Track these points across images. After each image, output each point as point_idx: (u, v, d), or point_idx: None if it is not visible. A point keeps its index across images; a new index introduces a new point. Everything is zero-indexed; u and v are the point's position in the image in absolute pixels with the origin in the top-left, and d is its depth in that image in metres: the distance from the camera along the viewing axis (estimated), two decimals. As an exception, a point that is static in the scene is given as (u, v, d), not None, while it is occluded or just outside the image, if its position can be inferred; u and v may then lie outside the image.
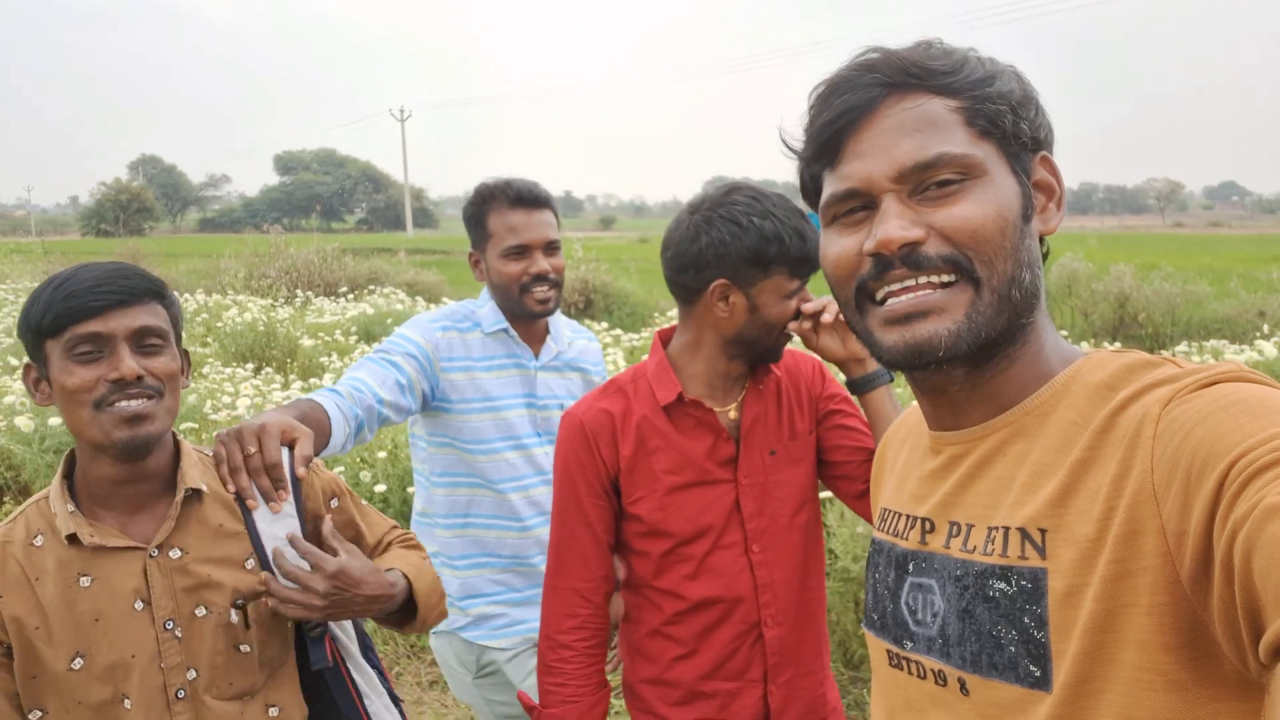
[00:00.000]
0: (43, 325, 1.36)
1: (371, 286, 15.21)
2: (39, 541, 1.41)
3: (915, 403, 1.15)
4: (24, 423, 5.64)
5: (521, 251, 2.12)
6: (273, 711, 1.53)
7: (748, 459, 1.69)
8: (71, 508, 1.41)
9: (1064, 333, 11.16)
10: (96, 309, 1.34)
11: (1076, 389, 0.87)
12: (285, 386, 7.07)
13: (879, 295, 0.89)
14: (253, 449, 1.51)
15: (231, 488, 1.52)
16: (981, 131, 0.87)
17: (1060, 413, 0.86)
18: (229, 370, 8.01)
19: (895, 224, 0.86)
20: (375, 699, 1.70)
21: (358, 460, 4.91)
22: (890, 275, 0.87)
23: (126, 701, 1.39)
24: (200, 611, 1.45)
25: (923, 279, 0.86)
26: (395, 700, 1.74)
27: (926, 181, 0.86)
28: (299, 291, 14.62)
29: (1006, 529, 0.85)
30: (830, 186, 0.92)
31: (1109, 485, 0.78)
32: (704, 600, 1.65)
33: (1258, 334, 9.02)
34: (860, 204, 0.90)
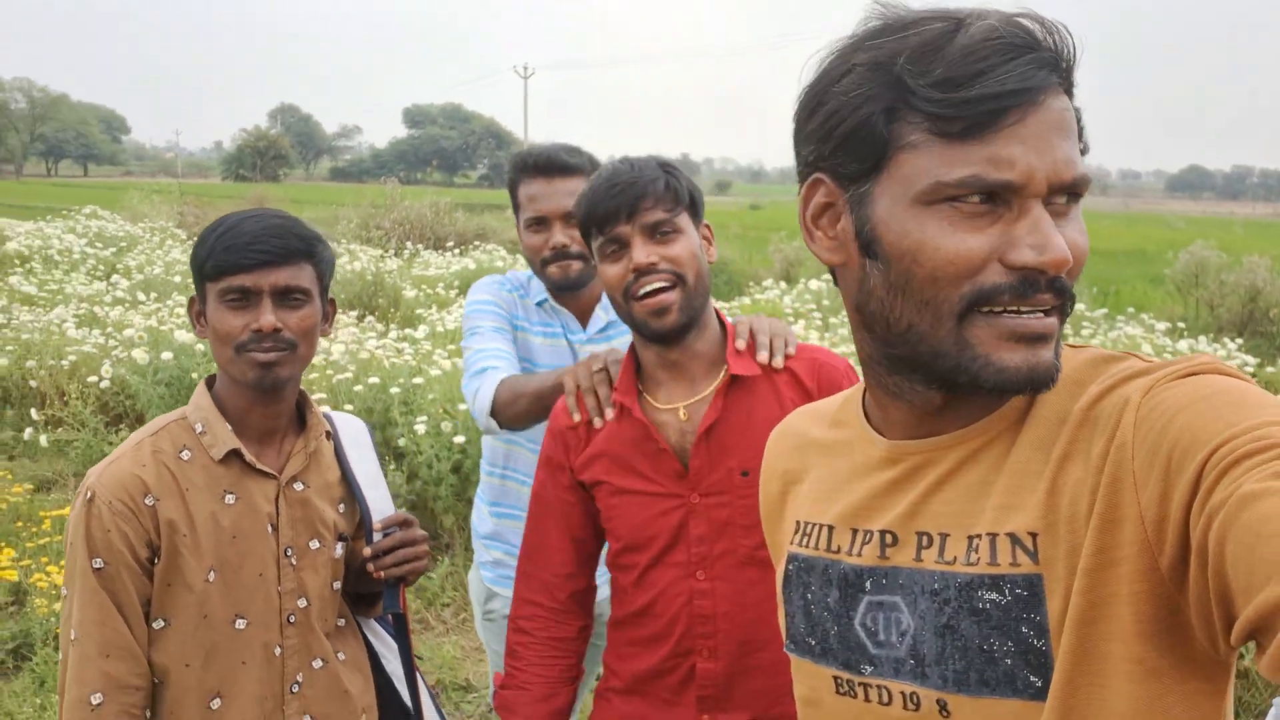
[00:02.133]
0: (204, 270, 1.51)
1: (478, 242, 15.61)
2: (186, 455, 1.53)
3: (802, 408, 1.12)
4: (140, 355, 6.08)
5: (540, 223, 2.04)
6: (341, 656, 1.68)
7: (705, 477, 1.51)
8: (230, 428, 1.55)
9: (1182, 324, 10.61)
10: (248, 265, 1.47)
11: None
12: (383, 335, 7.36)
13: (999, 310, 0.77)
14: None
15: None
16: (1080, 150, 0.79)
17: (1035, 411, 0.83)
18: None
19: (1062, 241, 0.75)
20: (393, 659, 1.83)
21: (441, 411, 5.09)
22: (1037, 299, 0.76)
23: (240, 621, 1.52)
24: (314, 544, 1.61)
25: (1053, 314, 0.78)
26: (410, 658, 1.81)
27: (1056, 196, 0.77)
28: (409, 244, 15.11)
29: (993, 536, 0.80)
30: (963, 164, 0.75)
31: (1091, 475, 0.76)
32: (643, 610, 1.56)
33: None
34: (985, 195, 0.76)
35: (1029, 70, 0.73)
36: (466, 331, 2.13)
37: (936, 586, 0.83)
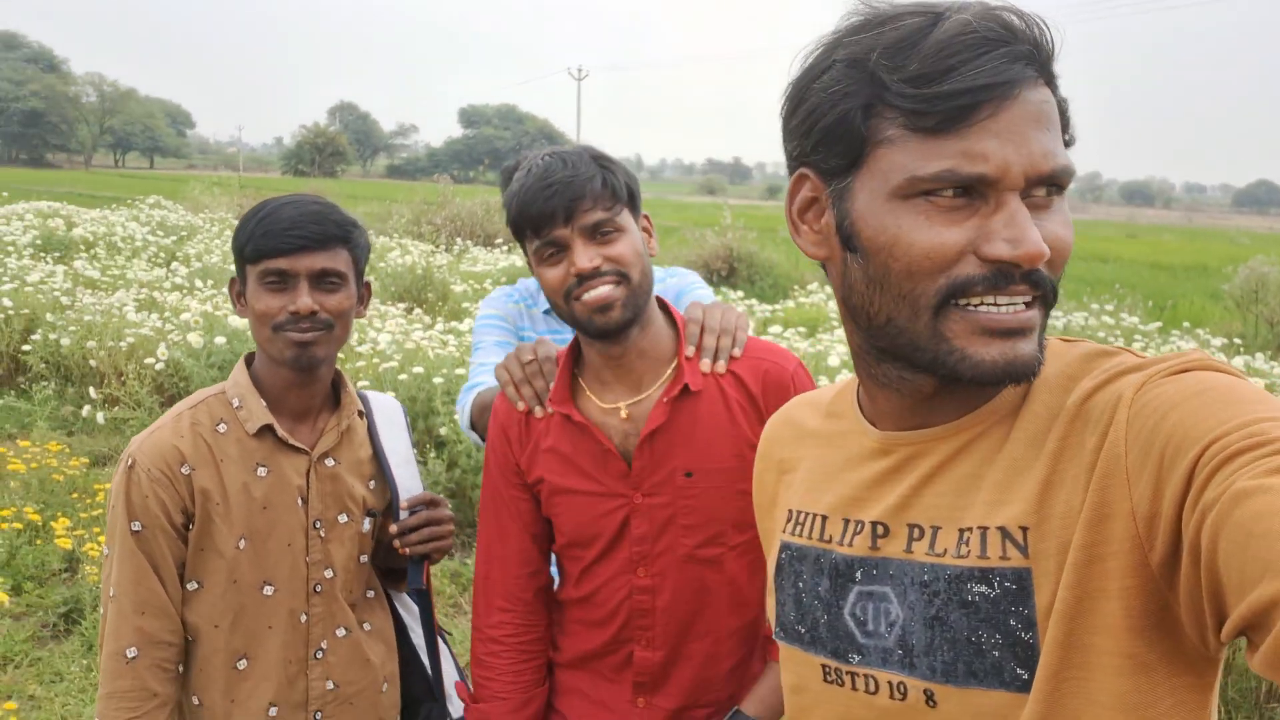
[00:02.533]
0: (244, 252, 1.57)
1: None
2: (222, 428, 1.60)
3: (800, 397, 1.11)
4: (195, 339, 6.27)
5: None
6: (366, 627, 1.74)
7: (648, 477, 1.49)
8: (264, 404, 1.62)
9: (1239, 341, 10.31)
10: (285, 249, 1.53)
11: (1040, 382, 0.83)
12: (429, 327, 7.48)
13: (975, 303, 0.77)
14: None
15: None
16: (1065, 140, 0.79)
17: (1026, 406, 0.83)
18: (384, 308, 8.55)
19: (1038, 235, 0.75)
20: (418, 629, 1.89)
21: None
22: (1012, 289, 0.76)
23: (268, 588, 1.60)
24: (342, 518, 1.67)
25: (1030, 308, 0.78)
26: (433, 631, 1.86)
27: (1034, 189, 0.77)
28: (459, 240, 15.32)
29: (984, 529, 0.81)
30: (938, 158, 0.75)
31: (1082, 472, 0.76)
32: (586, 599, 1.56)
33: None
34: (961, 189, 0.76)
35: (1001, 64, 0.73)
36: (472, 348, 2.16)
37: (926, 578, 0.83)
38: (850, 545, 0.91)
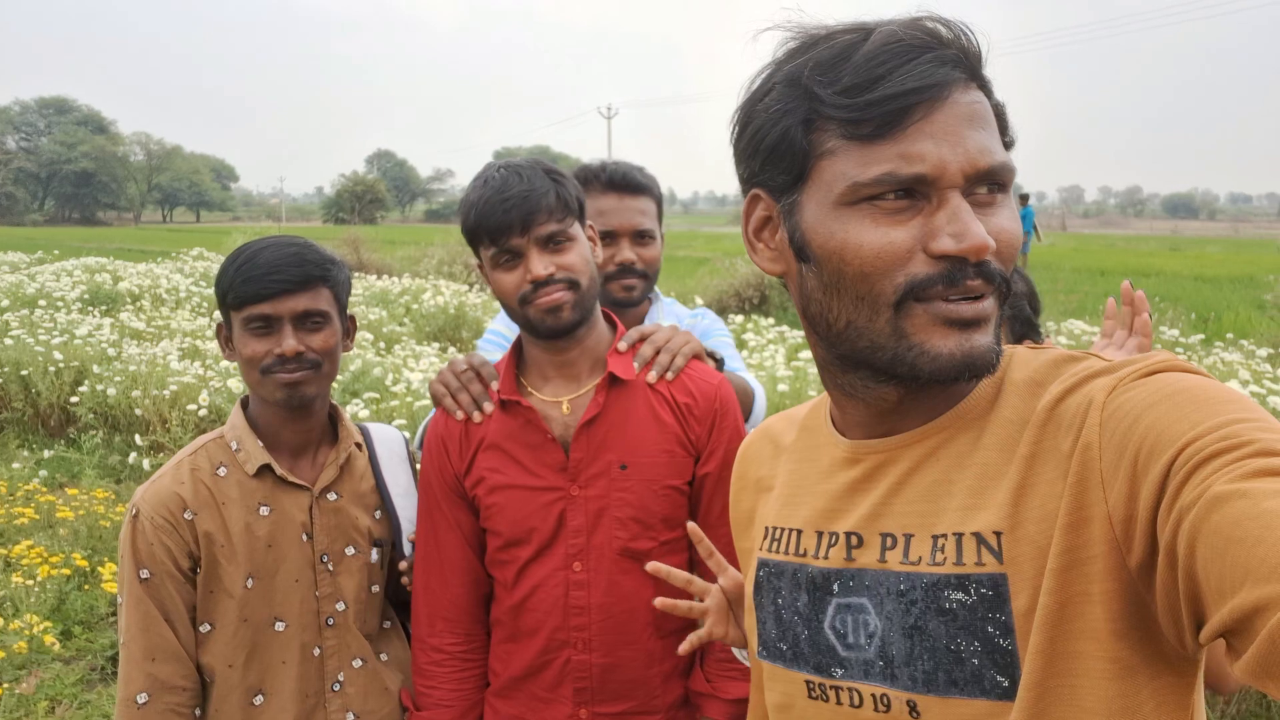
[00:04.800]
0: (227, 299, 1.60)
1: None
2: (222, 472, 1.62)
3: (778, 414, 1.11)
4: (235, 385, 6.42)
5: (607, 237, 2.02)
6: (383, 657, 1.75)
7: (585, 468, 1.56)
8: (261, 445, 1.65)
9: (1265, 352, 10.04)
10: (267, 294, 1.56)
11: (1007, 387, 0.85)
12: (462, 365, 7.56)
13: (936, 299, 0.80)
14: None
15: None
16: (1005, 143, 0.83)
17: (995, 412, 0.84)
18: (418, 348, 8.69)
19: (981, 228, 0.78)
20: None
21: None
22: (967, 285, 0.79)
23: (279, 624, 1.62)
24: (349, 551, 1.70)
25: (985, 298, 0.80)
26: None
27: (978, 186, 0.80)
28: (493, 279, 15.50)
29: (959, 535, 0.81)
30: (876, 163, 0.78)
31: (1057, 478, 0.76)
32: (520, 605, 1.58)
33: None
34: (903, 191, 0.79)
35: (928, 69, 0.77)
36: None
37: (903, 587, 0.83)
38: (826, 558, 0.91)
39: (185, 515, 1.58)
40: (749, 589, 1.02)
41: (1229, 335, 10.35)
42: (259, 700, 1.62)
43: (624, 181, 2.03)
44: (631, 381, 1.59)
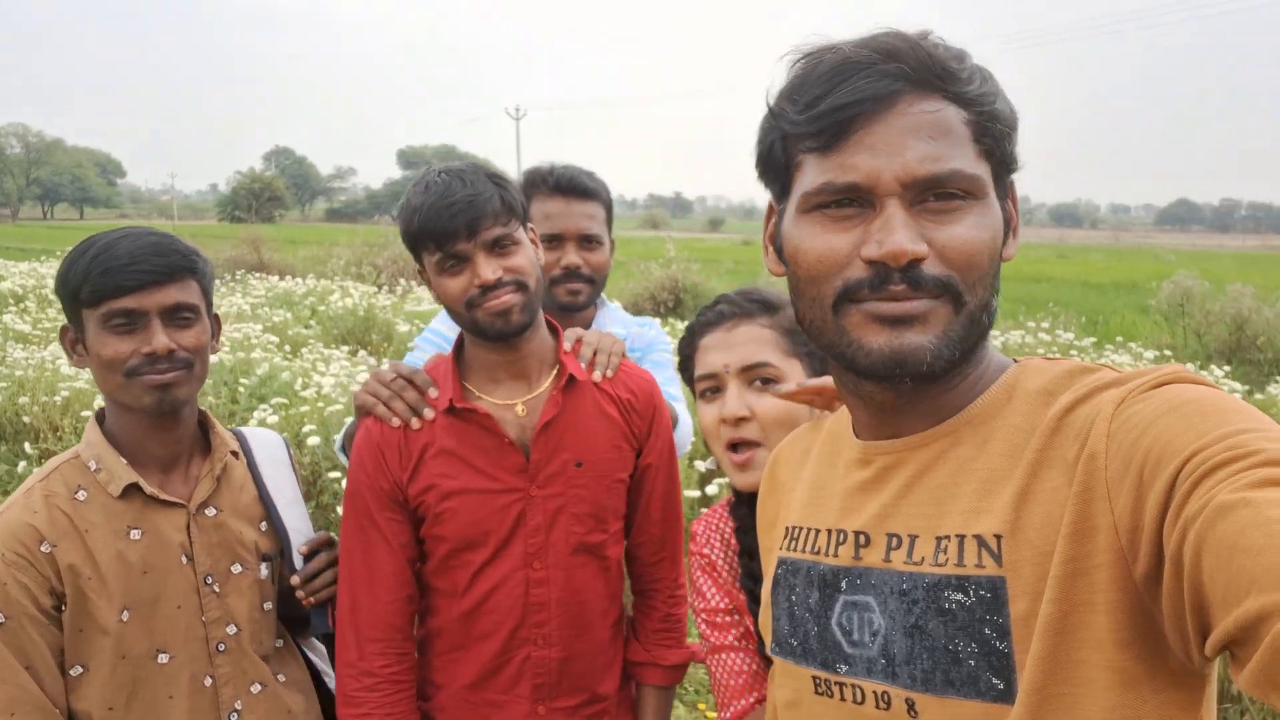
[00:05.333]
0: (80, 296, 1.42)
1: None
2: (81, 496, 1.45)
3: (811, 421, 1.15)
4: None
5: (554, 241, 2.00)
6: (280, 678, 1.62)
7: (544, 468, 1.57)
8: (125, 461, 1.47)
9: (1169, 352, 10.68)
10: (131, 286, 1.40)
11: (1018, 395, 0.86)
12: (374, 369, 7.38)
13: (867, 301, 0.84)
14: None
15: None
16: (985, 150, 0.84)
17: (1004, 419, 0.85)
18: (327, 351, 8.43)
19: (905, 235, 0.81)
20: (333, 675, 1.76)
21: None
22: (890, 290, 0.82)
23: (162, 656, 1.46)
24: (236, 568, 1.55)
25: (916, 299, 0.83)
26: None
27: (928, 193, 0.82)
28: (402, 280, 15.22)
29: (961, 537, 0.82)
30: (823, 174, 0.84)
31: (1062, 486, 0.77)
32: (474, 609, 1.57)
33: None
34: (851, 199, 0.84)
35: (866, 83, 0.82)
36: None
37: (905, 587, 0.85)
38: (836, 556, 0.93)
39: (42, 548, 1.40)
40: (767, 587, 1.05)
41: (1118, 339, 10.93)
42: None
43: (571, 185, 2.02)
44: (582, 381, 1.61)
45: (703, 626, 1.52)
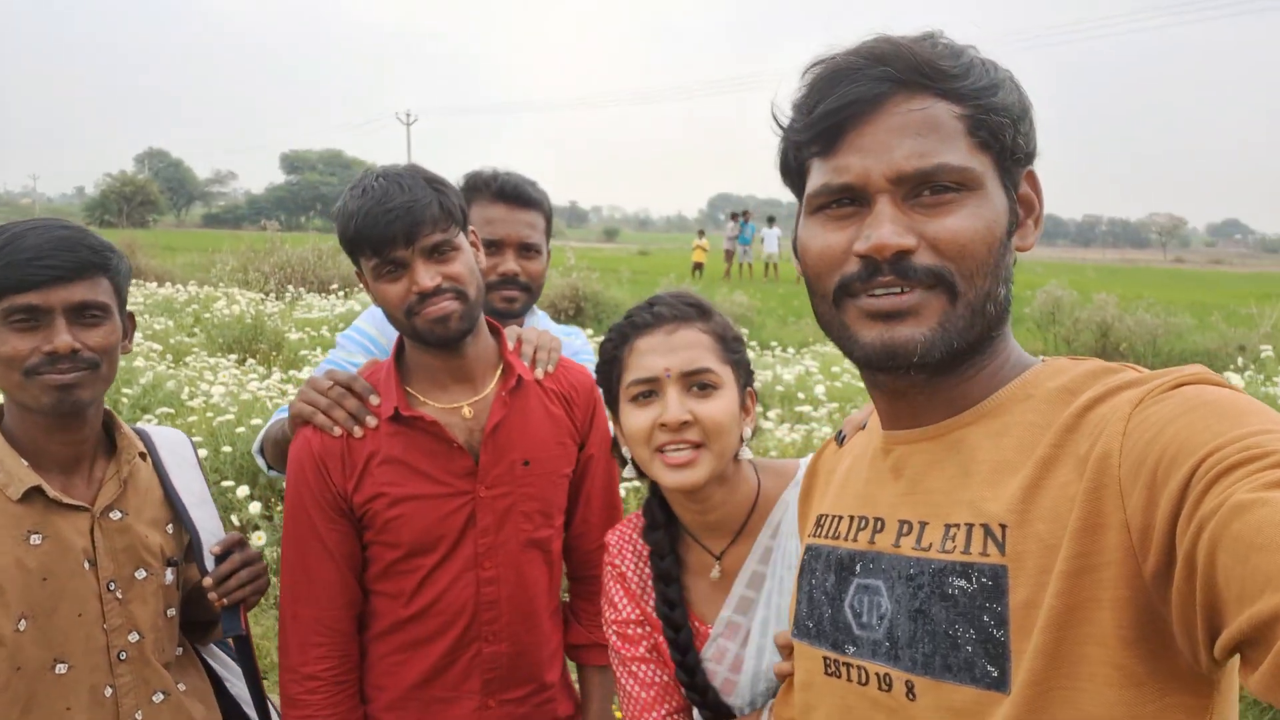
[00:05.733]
0: None
1: (360, 286, 15.24)
2: None
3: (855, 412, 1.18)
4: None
5: (493, 247, 1.99)
6: (182, 687, 1.57)
7: (492, 469, 1.57)
8: (26, 464, 1.40)
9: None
10: (35, 281, 1.35)
11: (1037, 392, 0.87)
12: (264, 377, 7.14)
13: (860, 294, 0.88)
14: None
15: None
16: (982, 142, 0.86)
17: (1021, 414, 0.87)
18: (212, 360, 8.08)
19: (889, 229, 0.84)
20: (236, 682, 1.76)
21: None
22: (878, 281, 0.86)
23: (60, 666, 1.39)
24: (140, 574, 1.49)
25: (907, 289, 0.86)
26: (257, 680, 1.73)
27: (922, 187, 0.85)
28: (290, 287, 14.72)
29: (970, 526, 0.84)
30: (821, 176, 0.90)
31: (1073, 481, 0.78)
32: (423, 611, 1.57)
33: (1232, 366, 9.10)
34: (849, 198, 0.88)
35: (852, 88, 0.86)
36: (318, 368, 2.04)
37: (912, 571, 0.88)
38: (854, 540, 0.97)
39: None
40: (795, 573, 1.08)
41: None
42: None
43: (514, 193, 2.02)
44: (527, 381, 1.62)
45: (613, 639, 1.52)
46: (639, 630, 1.50)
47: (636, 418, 1.40)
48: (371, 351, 2.01)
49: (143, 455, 1.59)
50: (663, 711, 1.46)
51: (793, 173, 0.96)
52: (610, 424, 1.52)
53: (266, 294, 13.84)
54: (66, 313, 1.38)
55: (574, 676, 1.87)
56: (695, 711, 1.49)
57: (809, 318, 12.84)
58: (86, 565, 1.44)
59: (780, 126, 0.95)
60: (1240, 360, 9.44)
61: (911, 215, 0.86)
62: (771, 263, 25.85)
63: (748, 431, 1.43)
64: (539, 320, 2.21)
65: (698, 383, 1.39)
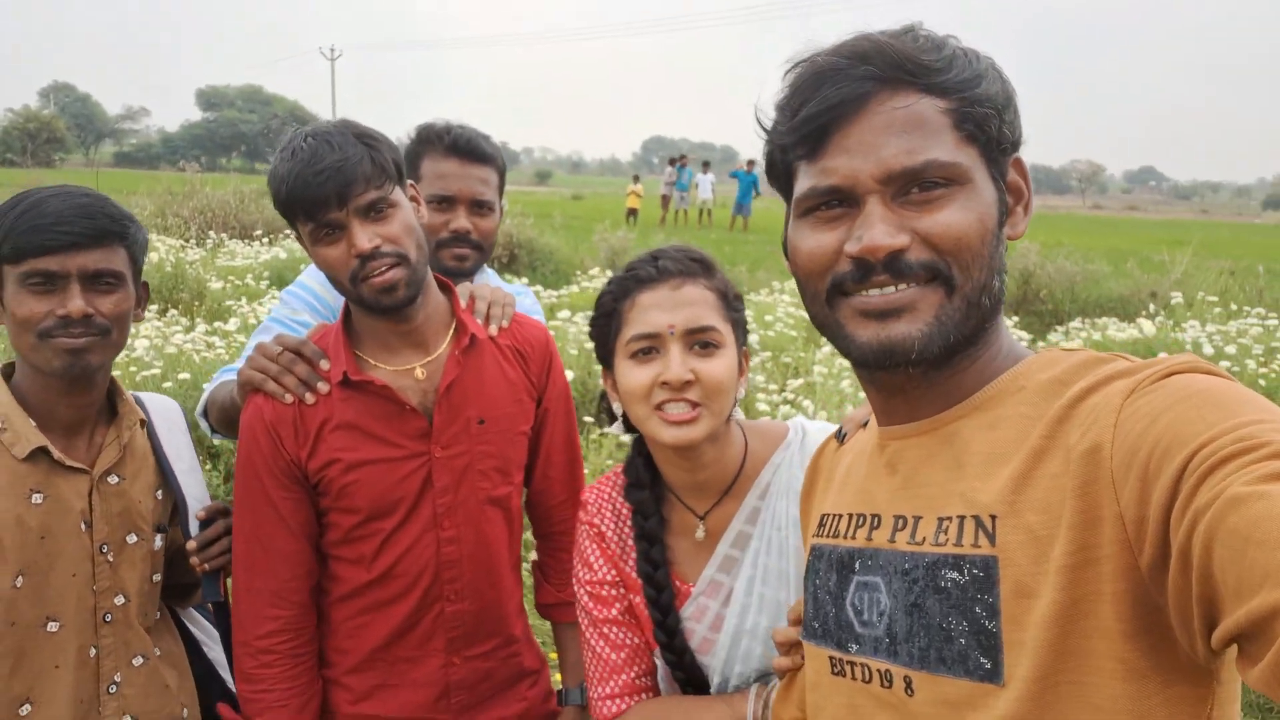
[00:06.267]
0: (2, 251, 1.39)
1: (287, 231, 14.83)
2: None
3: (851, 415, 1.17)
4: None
5: (444, 203, 1.95)
6: (157, 651, 1.60)
7: (446, 429, 1.56)
8: (34, 424, 1.44)
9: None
10: (54, 246, 1.38)
11: (1029, 384, 0.87)
12: (189, 330, 6.94)
13: (854, 293, 0.88)
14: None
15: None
16: (968, 135, 0.86)
17: (1013, 407, 0.86)
18: (131, 311, 7.81)
19: (881, 230, 0.84)
20: (214, 646, 1.79)
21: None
22: (873, 280, 0.86)
23: (52, 625, 1.43)
24: (131, 538, 1.53)
25: (902, 286, 0.86)
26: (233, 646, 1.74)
27: (911, 184, 0.85)
28: (212, 233, 14.22)
29: (962, 518, 0.84)
30: (809, 179, 0.89)
31: (1064, 474, 0.78)
32: (384, 574, 1.56)
33: (1144, 313, 9.48)
34: (839, 200, 0.88)
35: (837, 90, 0.86)
36: (261, 325, 1.97)
37: (907, 566, 0.88)
38: (853, 538, 0.97)
39: None
40: (804, 574, 1.08)
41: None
42: (25, 710, 1.43)
43: (468, 148, 1.97)
44: (481, 339, 1.60)
45: (584, 598, 1.50)
46: (613, 592, 1.48)
47: (635, 374, 1.36)
48: (315, 309, 1.97)
49: (142, 423, 1.62)
50: (632, 674, 1.46)
51: (779, 176, 0.95)
52: (604, 383, 1.48)
53: (187, 240, 13.35)
54: (82, 278, 1.41)
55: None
56: (660, 674, 1.50)
57: (744, 264, 12.92)
58: (83, 527, 1.47)
59: (764, 130, 0.94)
60: (1152, 307, 9.85)
61: (902, 213, 0.86)
62: (706, 209, 25.81)
63: (741, 391, 1.42)
64: (489, 278, 2.16)
65: (700, 341, 1.35)
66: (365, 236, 1.43)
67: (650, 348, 1.36)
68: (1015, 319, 9.98)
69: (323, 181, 1.41)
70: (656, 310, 1.36)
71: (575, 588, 1.53)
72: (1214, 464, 0.65)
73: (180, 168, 19.03)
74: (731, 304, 1.42)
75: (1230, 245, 20.17)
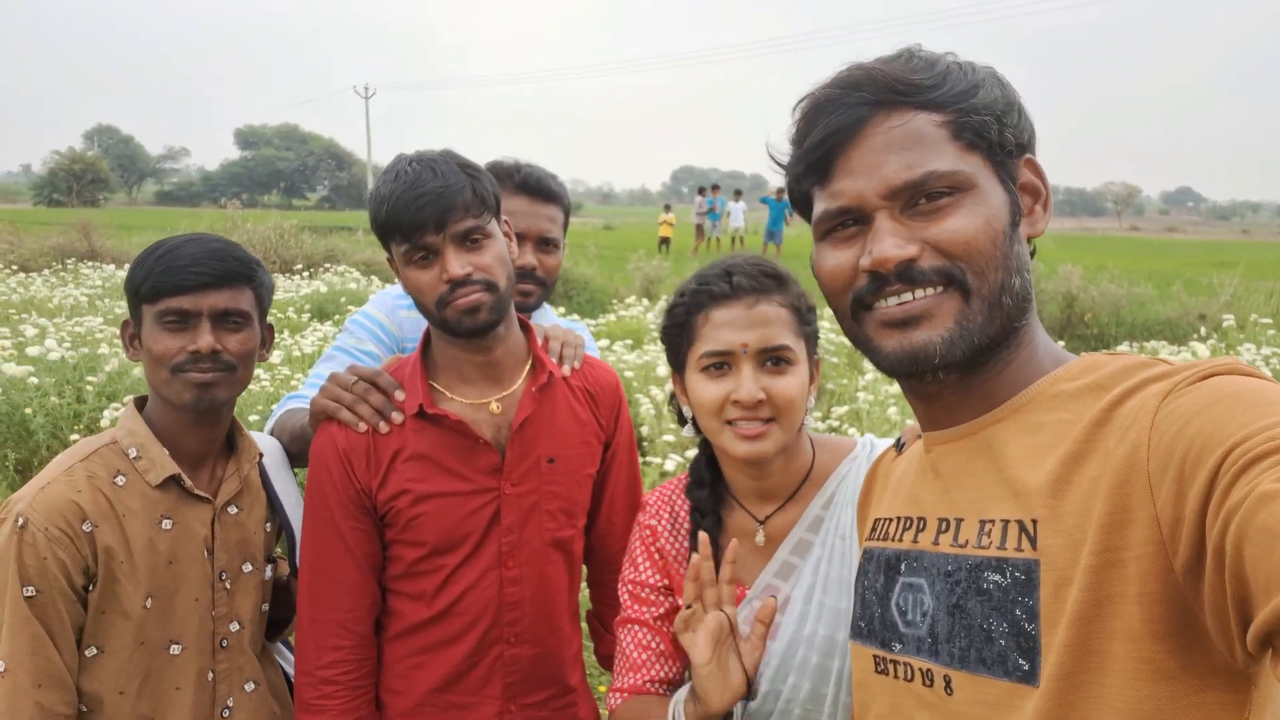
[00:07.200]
0: (140, 291, 1.51)
1: (327, 264, 15.06)
2: (120, 481, 1.50)
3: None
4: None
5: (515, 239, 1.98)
6: (265, 678, 1.67)
7: (518, 466, 1.55)
8: (168, 453, 1.52)
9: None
10: (187, 286, 1.48)
11: (1068, 389, 0.88)
12: (234, 362, 7.00)
13: (874, 305, 0.93)
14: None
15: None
16: (968, 144, 0.89)
17: (1053, 411, 0.87)
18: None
19: (890, 242, 0.88)
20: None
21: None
22: (888, 290, 0.91)
23: (175, 647, 1.51)
24: (247, 567, 1.61)
25: (918, 293, 0.89)
26: None
27: (917, 196, 0.89)
28: (255, 268, 14.45)
29: (1005, 522, 0.86)
30: (822, 204, 0.95)
31: (1101, 476, 0.78)
32: (445, 612, 1.54)
33: (1195, 336, 9.28)
34: (852, 219, 0.93)
35: (834, 118, 0.91)
36: (326, 353, 2.02)
37: (950, 568, 0.90)
38: (900, 540, 1.00)
39: (84, 527, 1.44)
40: (855, 577, 1.11)
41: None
42: None
43: (538, 187, 2.00)
44: (555, 378, 1.60)
45: (624, 596, 1.50)
46: (652, 595, 1.48)
47: (708, 389, 1.38)
48: (380, 339, 1.99)
49: (261, 457, 1.70)
50: (644, 676, 1.44)
51: (800, 204, 1.01)
52: (674, 386, 1.48)
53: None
54: (212, 317, 1.50)
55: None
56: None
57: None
58: (205, 554, 1.55)
59: (777, 164, 1.00)
60: (1203, 330, 9.63)
61: (911, 225, 0.89)
62: (738, 236, 25.85)
63: (812, 401, 1.43)
64: (547, 314, 2.19)
65: (772, 358, 1.37)
66: (458, 263, 1.46)
67: (722, 363, 1.37)
68: (1061, 343, 9.79)
69: (422, 205, 1.43)
70: (729, 329, 1.36)
71: (619, 586, 1.52)
72: (1247, 463, 0.65)
73: (222, 205, 19.39)
74: (804, 317, 1.42)
75: (1278, 267, 19.75)
